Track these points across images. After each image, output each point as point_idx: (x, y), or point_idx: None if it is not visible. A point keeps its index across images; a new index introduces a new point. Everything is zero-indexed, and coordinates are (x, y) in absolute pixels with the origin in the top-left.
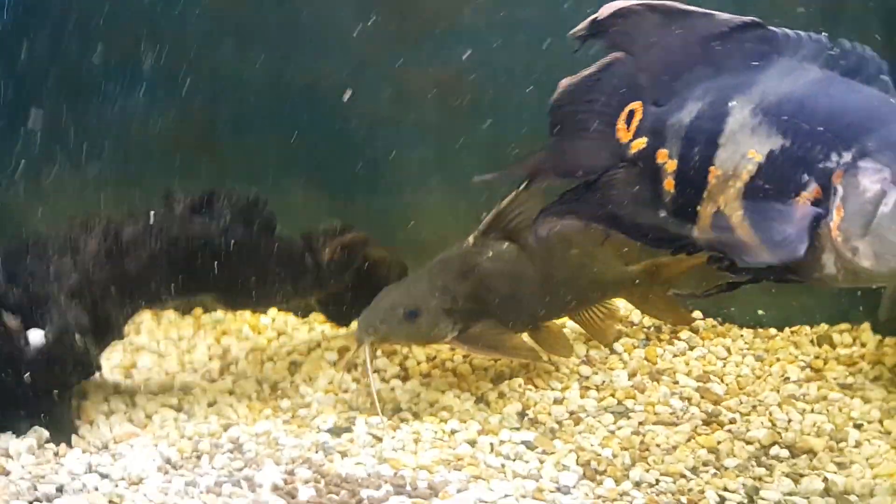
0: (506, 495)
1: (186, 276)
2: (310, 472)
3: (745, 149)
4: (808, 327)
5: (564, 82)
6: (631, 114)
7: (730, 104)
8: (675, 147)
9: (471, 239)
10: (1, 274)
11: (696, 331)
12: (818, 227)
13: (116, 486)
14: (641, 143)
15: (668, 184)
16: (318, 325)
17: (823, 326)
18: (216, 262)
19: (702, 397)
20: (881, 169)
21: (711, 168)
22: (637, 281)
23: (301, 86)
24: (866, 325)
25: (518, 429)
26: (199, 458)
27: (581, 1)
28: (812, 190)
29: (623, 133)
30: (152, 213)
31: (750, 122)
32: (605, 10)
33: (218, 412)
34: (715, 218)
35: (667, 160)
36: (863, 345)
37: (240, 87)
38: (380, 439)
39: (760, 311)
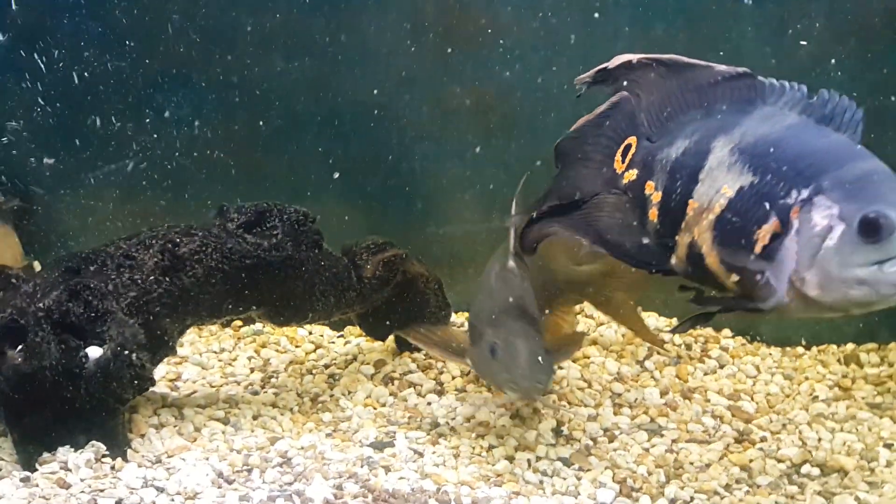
0: None
1: (239, 292)
2: (357, 487)
3: (720, 184)
4: (835, 346)
5: (582, 119)
6: (627, 147)
7: (713, 143)
8: (661, 180)
9: (511, 262)
10: (63, 290)
11: (725, 349)
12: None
13: (173, 500)
14: (632, 174)
15: (653, 214)
16: (354, 339)
17: (850, 345)
18: (267, 278)
19: (733, 415)
20: (831, 206)
21: (690, 201)
22: (590, 281)
23: (342, 102)
24: (893, 345)
25: (554, 445)
26: (249, 471)
27: (618, 28)
28: (772, 223)
29: (618, 164)
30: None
31: (727, 161)
32: (615, 61)
33: (263, 425)
34: (689, 247)
35: (653, 191)
36: (890, 364)
37: (284, 101)
38: (421, 454)
39: (789, 330)
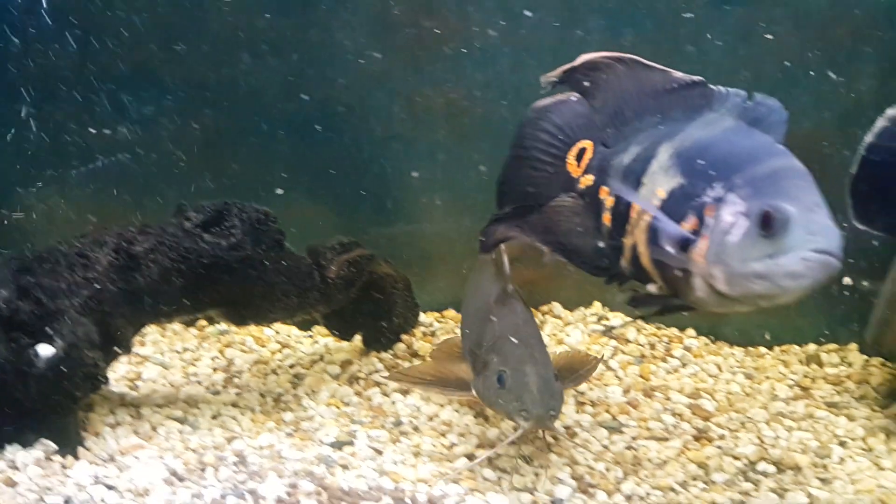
0: None
1: (196, 292)
2: (312, 486)
3: (656, 187)
4: (797, 346)
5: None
6: (582, 151)
7: (658, 149)
8: (614, 185)
9: (510, 287)
10: (13, 288)
11: (688, 349)
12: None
13: (122, 497)
14: (589, 179)
15: (606, 218)
16: (321, 338)
17: (812, 346)
18: (225, 278)
19: (693, 413)
20: (738, 202)
21: (633, 204)
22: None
23: (311, 102)
24: (853, 346)
25: (515, 443)
26: (203, 470)
27: (589, 28)
28: (691, 222)
29: (573, 168)
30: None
31: (666, 164)
32: (579, 60)
33: (222, 425)
34: (632, 250)
35: (607, 196)
36: (849, 365)
37: (251, 101)
38: (380, 452)
39: (752, 331)
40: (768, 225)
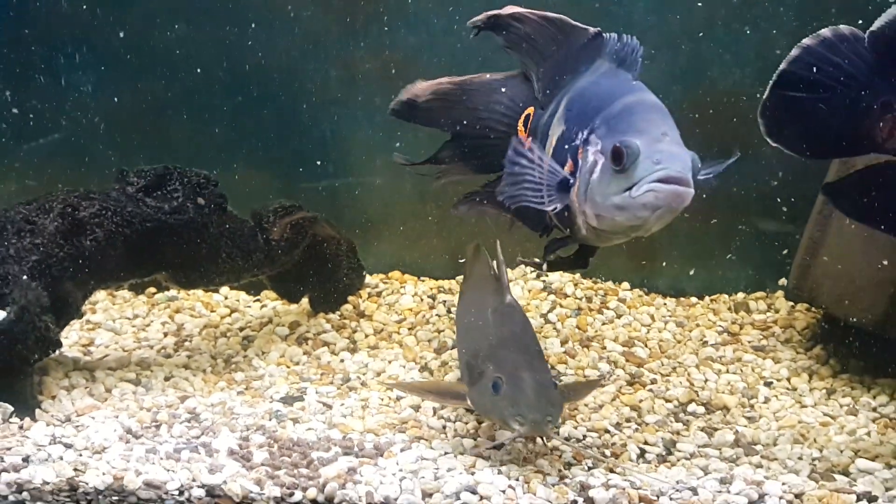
0: (445, 453)
1: (141, 255)
2: (263, 438)
3: (553, 137)
4: (726, 296)
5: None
6: (527, 117)
7: (560, 102)
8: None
9: (509, 297)
10: None
11: (623, 300)
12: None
13: (80, 455)
14: (530, 142)
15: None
16: (270, 302)
17: (740, 295)
18: (169, 241)
19: (626, 360)
20: (598, 142)
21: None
22: None
23: (249, 67)
24: (780, 293)
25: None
26: (158, 427)
27: None
28: (568, 164)
29: (522, 133)
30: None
31: (559, 115)
32: (505, 10)
33: (174, 385)
34: None
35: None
36: (776, 311)
37: (189, 66)
38: (329, 406)
39: (683, 282)
40: (618, 160)
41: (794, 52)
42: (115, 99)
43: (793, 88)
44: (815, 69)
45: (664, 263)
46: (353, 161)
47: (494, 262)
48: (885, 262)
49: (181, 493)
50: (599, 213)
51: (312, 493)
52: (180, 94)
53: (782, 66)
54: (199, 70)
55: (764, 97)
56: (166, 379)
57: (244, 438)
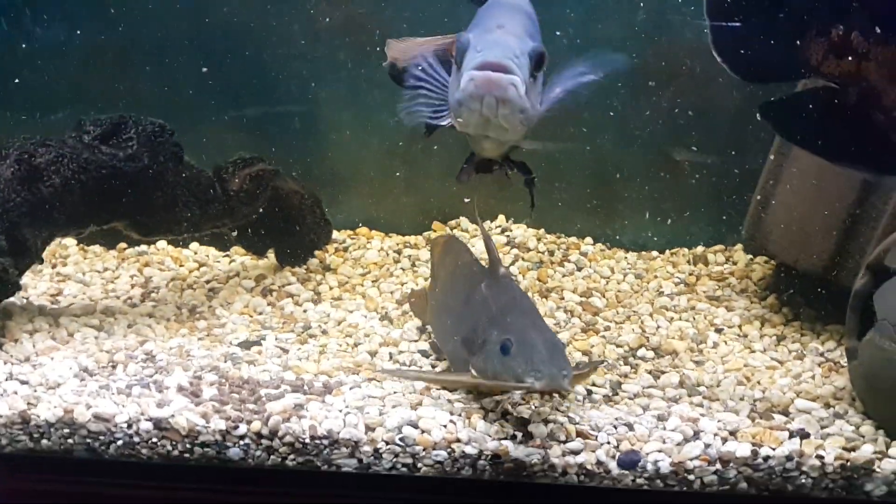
0: (394, 392)
1: (98, 203)
2: (215, 377)
3: None
4: (686, 249)
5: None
6: None
7: None
8: None
9: (502, 270)
10: None
11: (584, 254)
12: None
13: (35, 390)
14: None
15: None
16: (239, 257)
17: (700, 248)
18: (125, 189)
19: (583, 310)
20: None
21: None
22: None
23: (210, 22)
24: (739, 247)
25: (416, 341)
26: (114, 367)
27: None
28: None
29: None
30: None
31: None
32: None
33: (136, 332)
34: None
35: None
36: (734, 263)
37: (156, 18)
38: (286, 351)
39: (645, 237)
40: (459, 59)
41: None
42: (77, 52)
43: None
44: None
45: (626, 221)
46: (319, 117)
47: (482, 237)
48: (834, 207)
49: (129, 426)
50: (454, 113)
51: (257, 426)
52: (145, 49)
53: None
54: (159, 24)
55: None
56: (129, 326)
57: (196, 377)
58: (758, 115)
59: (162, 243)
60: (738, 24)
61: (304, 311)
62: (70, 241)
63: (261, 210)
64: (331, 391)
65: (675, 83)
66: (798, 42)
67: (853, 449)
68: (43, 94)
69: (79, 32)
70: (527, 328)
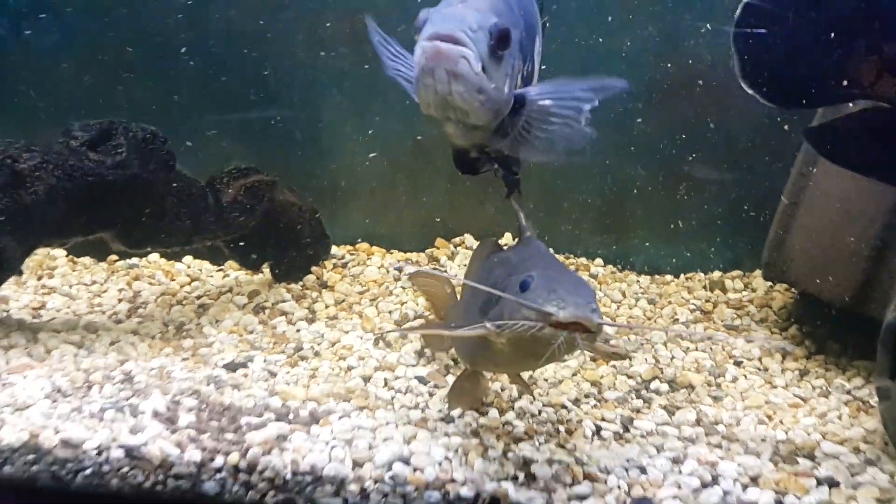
0: (387, 423)
1: (84, 212)
2: (195, 402)
3: None
4: (702, 274)
5: None
6: None
7: None
8: None
9: (527, 233)
10: None
11: (595, 276)
12: None
13: (1, 412)
14: None
15: None
16: (233, 272)
17: (717, 273)
18: (112, 198)
19: None
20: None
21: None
22: None
23: (214, 30)
24: (758, 273)
25: (414, 365)
26: (89, 388)
27: None
28: None
29: None
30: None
31: None
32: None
33: (119, 350)
34: None
35: None
36: (753, 290)
37: (156, 25)
38: (274, 374)
39: (659, 260)
40: (418, 29)
41: None
42: (80, 59)
43: (763, 22)
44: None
45: (640, 241)
46: (321, 128)
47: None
48: (861, 232)
49: (99, 453)
50: (416, 94)
51: (235, 458)
52: (144, 58)
53: None
54: (163, 33)
55: (733, 31)
56: (112, 343)
57: (175, 402)
58: (804, 139)
59: (154, 256)
60: (769, 50)
61: (298, 330)
62: (59, 252)
63: (256, 223)
64: (318, 420)
65: (690, 98)
66: (844, 64)
67: (889, 501)
68: (34, 98)
69: (73, 35)
70: (550, 267)
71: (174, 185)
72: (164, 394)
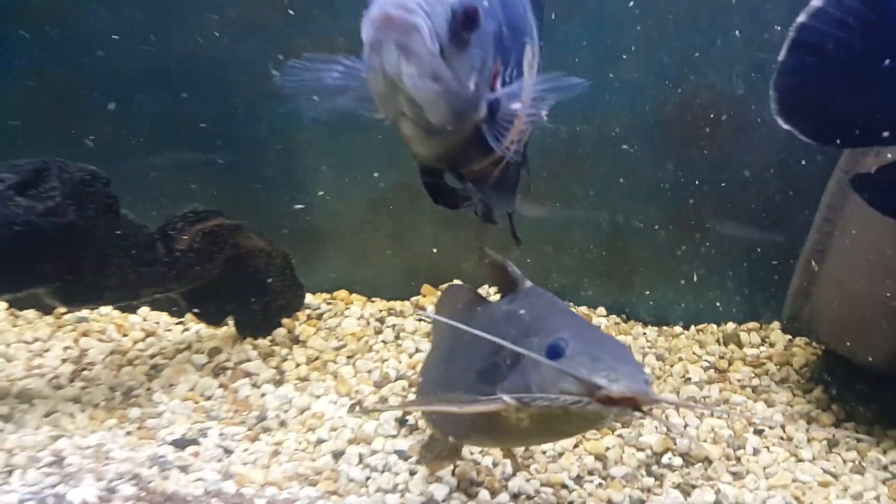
0: None
1: (11, 265)
2: (134, 489)
3: None
4: (714, 326)
5: None
6: None
7: None
8: None
9: (527, 284)
10: None
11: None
12: None
13: None
14: None
15: None
16: (194, 325)
17: (731, 325)
18: (45, 248)
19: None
20: None
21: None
22: None
23: (175, 54)
24: (776, 325)
25: (395, 436)
26: (10, 473)
27: None
28: None
29: None
30: None
31: None
32: None
33: (53, 422)
34: None
35: None
36: (771, 345)
37: (109, 55)
38: (230, 452)
39: (667, 309)
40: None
41: (816, 2)
42: (22, 88)
43: (814, 53)
44: (842, 26)
45: (646, 288)
46: (295, 165)
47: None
48: None
49: None
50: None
51: None
52: (98, 85)
53: (801, 18)
54: (119, 58)
55: (779, 63)
56: (46, 415)
57: (109, 490)
58: (851, 188)
59: (106, 308)
60: (815, 84)
61: (263, 395)
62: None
63: (216, 272)
64: None
65: (700, 134)
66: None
67: None
68: None
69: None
70: (581, 328)
71: (117, 232)
72: (97, 479)
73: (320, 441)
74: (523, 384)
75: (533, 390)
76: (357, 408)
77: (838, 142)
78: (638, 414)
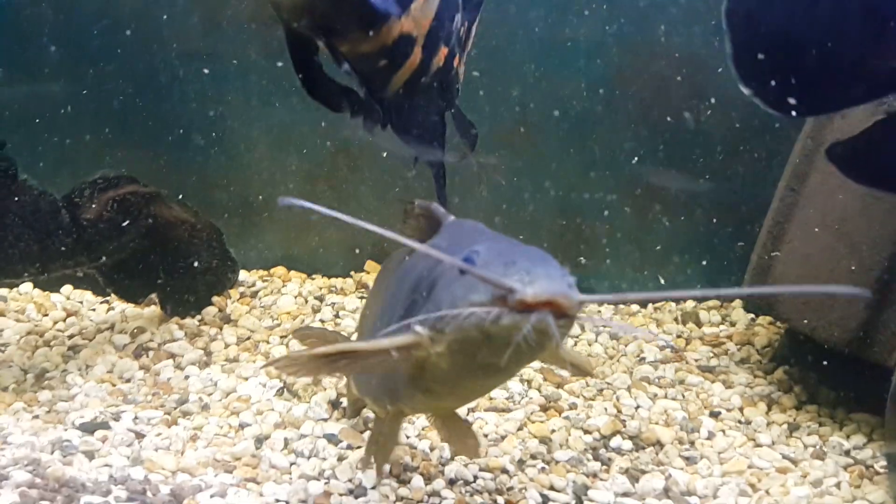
0: (277, 501)
1: None
2: (28, 476)
3: None
4: (673, 304)
5: None
6: None
7: None
8: None
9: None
10: None
11: None
12: None
13: None
14: None
15: None
16: (120, 304)
17: (690, 303)
18: None
19: (544, 379)
20: None
21: None
22: None
23: (85, 12)
24: (738, 302)
25: (326, 420)
26: None
27: None
28: None
29: None
30: None
31: None
32: None
33: None
34: None
35: None
36: (732, 324)
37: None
38: (143, 436)
39: (625, 287)
40: None
41: None
42: None
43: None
44: None
45: (603, 265)
46: (224, 130)
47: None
48: (863, 261)
49: None
50: None
51: None
52: (7, 46)
53: None
54: (24, 16)
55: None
56: None
57: (2, 475)
58: (825, 157)
59: (27, 286)
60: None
61: (186, 377)
62: None
63: (133, 245)
64: (180, 500)
65: (657, 97)
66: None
67: None
68: None
69: None
70: (500, 241)
71: (15, 199)
72: None
73: (243, 425)
74: (435, 310)
75: (443, 305)
76: (284, 390)
77: (811, 107)
78: (562, 322)
